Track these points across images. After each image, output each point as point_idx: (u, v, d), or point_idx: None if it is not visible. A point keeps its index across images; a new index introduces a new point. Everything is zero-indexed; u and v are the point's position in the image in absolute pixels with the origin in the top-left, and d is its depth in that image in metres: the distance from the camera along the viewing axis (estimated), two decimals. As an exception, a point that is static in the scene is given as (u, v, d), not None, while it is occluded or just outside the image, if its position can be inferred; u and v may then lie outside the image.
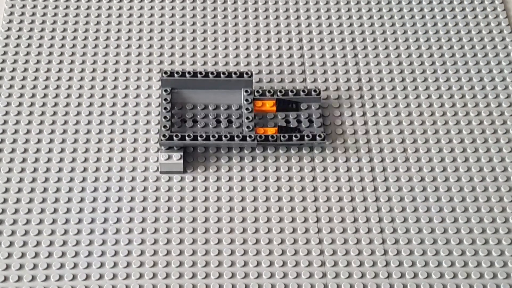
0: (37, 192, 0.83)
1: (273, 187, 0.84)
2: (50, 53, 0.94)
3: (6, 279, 0.77)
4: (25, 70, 0.92)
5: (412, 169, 0.86)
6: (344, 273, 0.79)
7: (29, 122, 0.88)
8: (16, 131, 0.87)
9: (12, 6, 0.97)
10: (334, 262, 0.79)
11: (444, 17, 0.99)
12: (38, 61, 0.93)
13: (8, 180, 0.84)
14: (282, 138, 0.85)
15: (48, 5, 0.98)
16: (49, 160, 0.85)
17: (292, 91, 0.88)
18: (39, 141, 0.87)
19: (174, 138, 0.83)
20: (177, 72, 0.87)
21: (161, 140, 0.83)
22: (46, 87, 0.91)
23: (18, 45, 0.94)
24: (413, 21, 0.98)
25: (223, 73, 0.87)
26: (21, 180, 0.84)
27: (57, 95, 0.90)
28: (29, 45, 0.94)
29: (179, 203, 0.83)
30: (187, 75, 0.87)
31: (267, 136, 0.85)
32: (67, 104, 0.90)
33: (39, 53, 0.94)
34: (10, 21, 0.96)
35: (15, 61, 0.93)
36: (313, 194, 0.84)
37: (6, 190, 0.83)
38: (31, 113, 0.89)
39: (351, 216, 0.82)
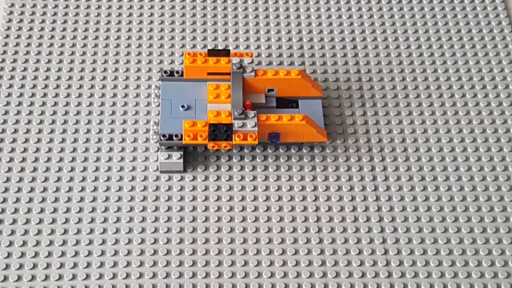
0: (37, 192, 0.83)
1: (273, 186, 0.84)
2: (50, 53, 0.93)
3: (5, 278, 0.77)
4: (25, 69, 0.92)
5: (413, 168, 0.86)
6: (345, 273, 0.78)
7: (29, 122, 0.88)
8: (15, 131, 0.87)
9: (12, 5, 0.97)
10: (334, 262, 0.79)
11: (445, 16, 0.99)
12: (37, 61, 0.93)
13: (8, 179, 0.84)
14: (282, 137, 0.85)
15: (48, 5, 0.98)
16: (48, 159, 0.85)
17: (292, 90, 0.88)
18: (38, 140, 0.86)
19: (174, 137, 0.83)
20: (177, 72, 0.87)
21: (161, 139, 0.83)
22: (46, 86, 0.91)
23: (17, 44, 0.94)
24: (413, 20, 0.98)
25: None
26: (20, 179, 0.84)
27: (56, 95, 0.90)
28: (28, 45, 0.94)
29: (179, 202, 0.83)
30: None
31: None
32: (67, 104, 0.89)
33: (39, 53, 0.93)
34: (10, 20, 0.96)
35: (14, 61, 0.93)
36: (313, 193, 0.84)
37: (6, 190, 0.83)
38: (30, 112, 0.89)
39: (351, 216, 0.82)
